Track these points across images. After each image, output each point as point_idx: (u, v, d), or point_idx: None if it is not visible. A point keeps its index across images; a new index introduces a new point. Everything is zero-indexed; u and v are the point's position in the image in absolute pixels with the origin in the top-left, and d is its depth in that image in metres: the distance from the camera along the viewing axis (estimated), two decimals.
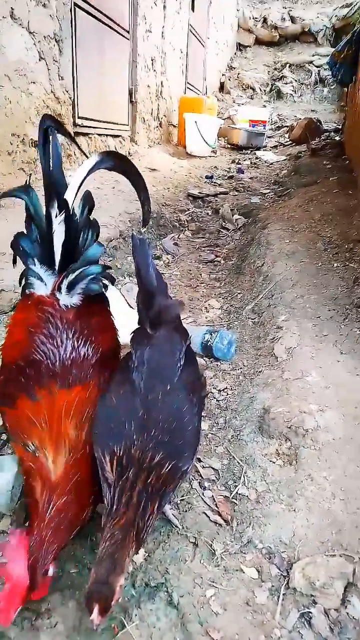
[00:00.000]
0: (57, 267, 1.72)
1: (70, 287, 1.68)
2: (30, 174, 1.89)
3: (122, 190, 4.88)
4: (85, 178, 1.81)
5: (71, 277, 1.68)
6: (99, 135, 6.05)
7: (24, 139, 4.50)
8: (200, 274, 3.98)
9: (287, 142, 9.73)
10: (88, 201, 1.82)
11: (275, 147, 9.64)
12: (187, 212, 5.17)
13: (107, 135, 6.30)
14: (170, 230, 4.79)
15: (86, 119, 5.62)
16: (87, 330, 1.67)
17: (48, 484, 1.37)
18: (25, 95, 4.42)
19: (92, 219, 1.82)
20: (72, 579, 1.50)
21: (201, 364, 2.72)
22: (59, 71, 4.92)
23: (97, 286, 1.75)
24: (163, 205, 5.16)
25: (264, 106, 12.18)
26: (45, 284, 1.72)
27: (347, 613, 1.42)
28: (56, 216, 1.68)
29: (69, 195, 1.74)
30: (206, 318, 3.27)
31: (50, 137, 1.73)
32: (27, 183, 1.75)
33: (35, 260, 1.72)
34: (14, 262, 1.85)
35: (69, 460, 1.42)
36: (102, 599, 1.16)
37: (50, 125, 1.74)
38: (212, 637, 1.37)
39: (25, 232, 1.79)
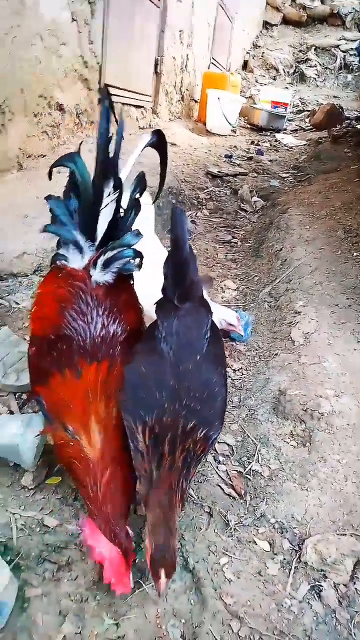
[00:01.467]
0: (97, 243, 1.71)
1: (107, 264, 1.67)
2: (82, 142, 1.84)
3: (142, 162, 4.83)
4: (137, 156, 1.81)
5: (109, 254, 1.67)
6: (122, 104, 5.95)
7: (50, 101, 4.42)
8: (217, 254, 3.98)
9: (307, 126, 9.58)
10: (141, 183, 1.79)
11: (296, 131, 9.50)
12: (205, 191, 5.13)
13: (130, 104, 6.20)
14: (188, 207, 4.76)
15: (111, 86, 5.51)
16: (116, 308, 1.67)
17: (89, 466, 1.40)
18: (56, 56, 4.33)
19: (137, 199, 1.80)
20: None
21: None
22: (90, 35, 4.81)
23: (133, 267, 1.73)
24: (182, 181, 5.11)
25: (287, 88, 11.95)
26: (82, 257, 1.71)
27: (356, 589, 1.48)
28: (109, 194, 1.67)
29: (123, 174, 1.72)
30: (222, 298, 3.28)
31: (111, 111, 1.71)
32: (78, 150, 1.73)
33: (75, 231, 1.71)
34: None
35: (103, 437, 1.44)
36: (167, 563, 1.22)
37: (106, 98, 1.72)
38: (225, 601, 1.43)
39: (62, 198, 1.78)
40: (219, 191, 5.22)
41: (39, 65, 4.07)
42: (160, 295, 1.67)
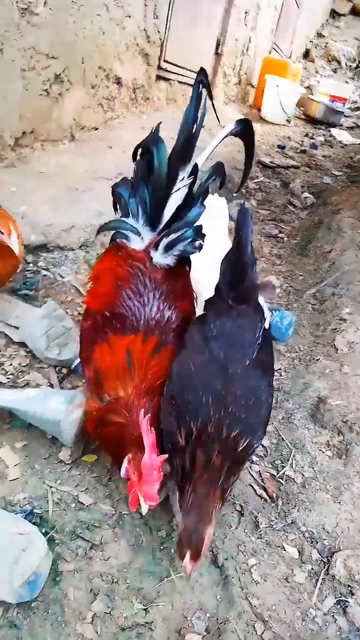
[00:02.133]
0: (161, 227, 1.69)
1: (170, 247, 1.65)
2: (160, 123, 1.82)
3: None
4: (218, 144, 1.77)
5: (172, 236, 1.65)
6: (179, 82, 5.85)
7: (108, 74, 4.37)
8: (262, 248, 3.92)
9: None
10: (218, 173, 1.76)
11: (352, 128, 9.19)
12: (255, 180, 5.04)
13: (187, 84, 6.08)
14: (237, 196, 4.68)
15: (171, 63, 5.41)
16: (172, 294, 1.66)
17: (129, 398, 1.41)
18: (119, 28, 4.26)
19: (208, 187, 1.76)
20: (124, 520, 1.58)
21: None
22: (156, 9, 4.71)
23: (194, 249, 1.71)
24: (233, 168, 5.00)
25: (347, 83, 11.53)
26: (142, 239, 1.69)
27: None
28: (183, 179, 1.64)
29: (200, 160, 1.69)
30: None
31: (202, 93, 1.67)
32: (157, 133, 1.70)
33: (140, 213, 1.70)
34: (115, 209, 1.84)
35: (139, 405, 1.43)
36: (192, 546, 1.22)
37: (202, 80, 1.67)
38: (251, 602, 1.44)
39: (132, 182, 1.77)
40: (269, 182, 5.12)
41: (101, 37, 4.01)
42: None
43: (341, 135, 8.02)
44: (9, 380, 1.99)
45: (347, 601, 1.48)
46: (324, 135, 8.02)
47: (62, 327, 2.20)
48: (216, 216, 1.75)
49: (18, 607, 1.28)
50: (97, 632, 1.28)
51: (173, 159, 1.66)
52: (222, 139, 1.78)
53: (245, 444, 1.38)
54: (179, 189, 1.66)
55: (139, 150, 1.78)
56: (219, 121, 2.07)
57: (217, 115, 1.88)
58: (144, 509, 1.26)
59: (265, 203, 4.72)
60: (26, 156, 3.60)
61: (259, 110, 8.06)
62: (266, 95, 7.83)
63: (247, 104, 8.36)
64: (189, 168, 1.65)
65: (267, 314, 1.73)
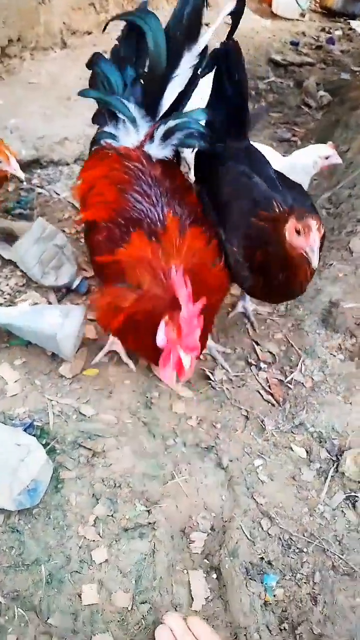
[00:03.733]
0: (159, 116, 1.52)
1: (168, 135, 1.50)
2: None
3: None
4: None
5: (172, 123, 1.48)
6: None
7: None
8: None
9: None
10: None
11: None
12: (265, 81, 4.60)
13: None
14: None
15: None
16: (176, 190, 1.53)
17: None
18: None
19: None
20: (127, 428, 1.56)
21: None
22: None
23: (195, 142, 1.54)
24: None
25: None
26: (137, 131, 1.54)
27: None
28: (189, 60, 1.46)
29: (204, 40, 1.48)
30: None
31: None
32: (146, 6, 1.48)
33: (131, 103, 1.52)
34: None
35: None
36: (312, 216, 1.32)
37: None
38: (257, 501, 1.42)
39: (116, 62, 1.57)
40: (281, 82, 4.67)
41: None
42: None
43: None
44: (5, 300, 1.94)
45: (356, 496, 1.45)
46: (342, 28, 7.20)
47: (54, 246, 2.06)
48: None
49: (19, 513, 1.29)
50: (99, 534, 1.29)
51: (175, 37, 1.46)
52: (224, 18, 1.54)
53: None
54: (180, 73, 1.48)
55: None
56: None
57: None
58: (186, 365, 1.20)
59: (277, 105, 4.33)
60: (15, 67, 3.34)
61: (270, 4, 7.26)
62: None
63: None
64: (196, 48, 1.46)
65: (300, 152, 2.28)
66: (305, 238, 1.31)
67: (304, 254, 1.33)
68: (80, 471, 1.42)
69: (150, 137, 1.51)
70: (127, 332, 1.43)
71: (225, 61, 1.57)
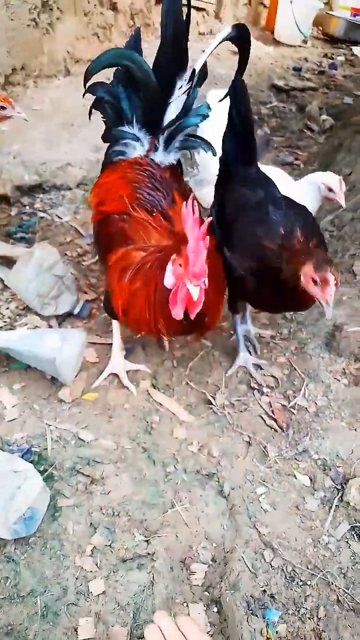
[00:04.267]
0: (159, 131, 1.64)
1: (169, 141, 1.63)
2: (139, 28, 1.73)
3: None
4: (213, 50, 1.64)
5: (168, 131, 1.61)
6: (182, 5, 5.39)
7: None
8: None
9: None
10: (204, 73, 1.69)
11: None
12: (268, 105, 4.67)
13: (192, 6, 5.61)
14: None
15: None
16: (183, 191, 1.63)
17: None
18: None
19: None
20: (126, 454, 1.53)
21: None
22: None
23: (195, 144, 1.69)
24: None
25: None
26: (142, 144, 1.67)
27: None
28: (181, 87, 1.58)
29: (197, 65, 1.60)
30: None
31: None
32: (135, 39, 1.62)
33: (135, 123, 1.66)
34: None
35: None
36: (332, 266, 1.31)
37: None
38: (260, 531, 1.38)
39: (118, 93, 1.68)
40: (284, 107, 4.74)
41: None
42: None
43: None
44: (5, 324, 1.93)
45: None
46: (344, 54, 7.36)
47: (54, 277, 2.00)
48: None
49: (15, 543, 1.26)
50: (96, 564, 1.25)
51: (166, 66, 1.57)
52: (219, 44, 1.62)
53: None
54: (177, 97, 1.60)
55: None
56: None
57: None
58: (194, 295, 1.22)
59: (280, 129, 4.39)
60: (18, 94, 3.42)
61: (273, 32, 7.43)
62: (280, 14, 7.17)
63: (259, 26, 7.71)
64: (185, 74, 1.57)
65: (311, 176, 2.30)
66: (321, 291, 1.31)
67: (317, 301, 1.35)
68: (78, 499, 1.39)
69: (154, 147, 1.64)
70: (137, 296, 1.44)
71: (233, 97, 1.66)
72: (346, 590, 1.30)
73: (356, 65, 6.76)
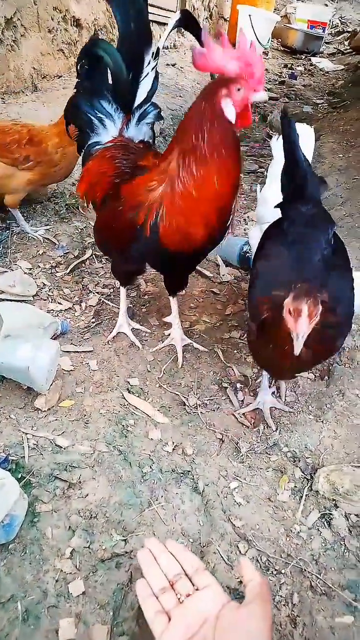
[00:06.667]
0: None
1: (141, 118, 1.79)
2: (98, 31, 1.90)
3: (165, 84, 4.53)
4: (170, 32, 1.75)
5: (143, 108, 1.78)
6: None
7: (65, 14, 4.11)
8: (241, 184, 3.76)
9: (347, 49, 8.79)
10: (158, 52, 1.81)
11: (333, 54, 8.73)
12: None
13: (155, 22, 5.72)
14: None
15: None
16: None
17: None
18: None
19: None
20: (102, 458, 1.56)
21: (237, 276, 2.65)
22: None
23: (161, 115, 1.89)
24: None
25: (326, 5, 10.87)
26: (115, 124, 1.81)
27: None
28: (149, 63, 1.69)
29: (160, 44, 1.76)
30: (244, 231, 3.14)
31: None
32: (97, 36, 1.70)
33: (109, 103, 1.80)
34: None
35: None
36: (309, 298, 1.18)
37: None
38: (234, 524, 1.43)
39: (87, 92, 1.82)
40: None
41: None
42: None
43: (322, 62, 7.64)
44: None
45: (331, 514, 1.46)
46: (303, 65, 7.64)
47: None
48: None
49: None
50: (76, 566, 1.28)
51: (135, 43, 1.68)
52: (173, 29, 1.68)
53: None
54: (147, 74, 1.72)
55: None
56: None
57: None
58: (265, 96, 1.42)
59: (243, 139, 4.52)
60: None
61: (234, 45, 7.64)
62: (239, 27, 7.39)
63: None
64: (151, 49, 1.69)
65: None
66: (294, 322, 1.20)
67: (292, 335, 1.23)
68: (56, 504, 1.41)
69: (126, 126, 1.79)
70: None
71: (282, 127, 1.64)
72: (318, 576, 1.35)
73: (315, 74, 7.01)
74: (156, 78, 1.78)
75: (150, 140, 1.90)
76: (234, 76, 1.37)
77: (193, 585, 1.00)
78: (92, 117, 1.83)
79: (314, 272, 1.34)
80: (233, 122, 1.43)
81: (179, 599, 0.98)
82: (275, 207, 1.65)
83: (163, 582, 1.01)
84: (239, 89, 1.38)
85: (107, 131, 1.84)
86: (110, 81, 1.77)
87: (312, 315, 1.18)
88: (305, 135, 2.10)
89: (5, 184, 2.38)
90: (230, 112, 1.42)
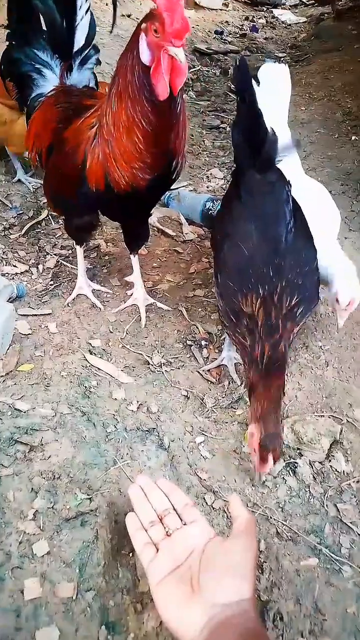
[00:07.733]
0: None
1: (83, 62, 1.74)
2: None
3: (121, 35, 4.28)
4: None
5: (83, 53, 1.71)
6: None
7: None
8: (203, 141, 3.66)
9: (309, 1, 8.53)
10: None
11: (295, 6, 8.44)
12: (192, 70, 4.62)
13: None
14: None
15: None
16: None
17: None
18: None
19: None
20: (65, 420, 1.52)
21: (200, 234, 2.59)
22: None
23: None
24: None
25: None
26: (54, 71, 1.75)
27: (331, 466, 1.48)
28: (81, 6, 1.63)
29: None
30: (207, 187, 3.06)
31: None
32: None
33: (45, 51, 1.73)
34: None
35: None
36: (275, 449, 1.27)
37: None
38: (200, 477, 1.43)
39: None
40: (208, 71, 4.72)
41: None
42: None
43: (284, 15, 7.39)
44: None
45: (296, 462, 1.48)
46: (265, 17, 7.37)
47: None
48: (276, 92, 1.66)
49: None
50: (39, 527, 1.25)
51: None
52: None
53: (302, 310, 1.41)
54: (82, 17, 1.65)
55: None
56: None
57: None
58: (180, 57, 1.17)
59: (205, 93, 4.37)
60: None
61: None
62: None
63: None
64: None
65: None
66: (258, 463, 1.31)
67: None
68: (17, 467, 1.37)
69: (68, 69, 1.72)
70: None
71: (235, 80, 1.55)
72: (284, 523, 1.37)
73: (277, 27, 6.80)
74: (93, 21, 1.71)
75: (95, 86, 1.81)
76: (156, 13, 1.16)
77: (182, 520, 1.06)
78: (30, 69, 1.73)
79: (286, 270, 1.39)
80: (146, 63, 1.24)
81: (167, 532, 1.03)
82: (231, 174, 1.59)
83: (152, 516, 1.07)
84: (155, 31, 1.17)
85: (48, 81, 1.75)
86: (44, 27, 1.68)
87: (275, 460, 1.29)
88: (281, 76, 1.97)
89: None
90: (143, 50, 1.23)
